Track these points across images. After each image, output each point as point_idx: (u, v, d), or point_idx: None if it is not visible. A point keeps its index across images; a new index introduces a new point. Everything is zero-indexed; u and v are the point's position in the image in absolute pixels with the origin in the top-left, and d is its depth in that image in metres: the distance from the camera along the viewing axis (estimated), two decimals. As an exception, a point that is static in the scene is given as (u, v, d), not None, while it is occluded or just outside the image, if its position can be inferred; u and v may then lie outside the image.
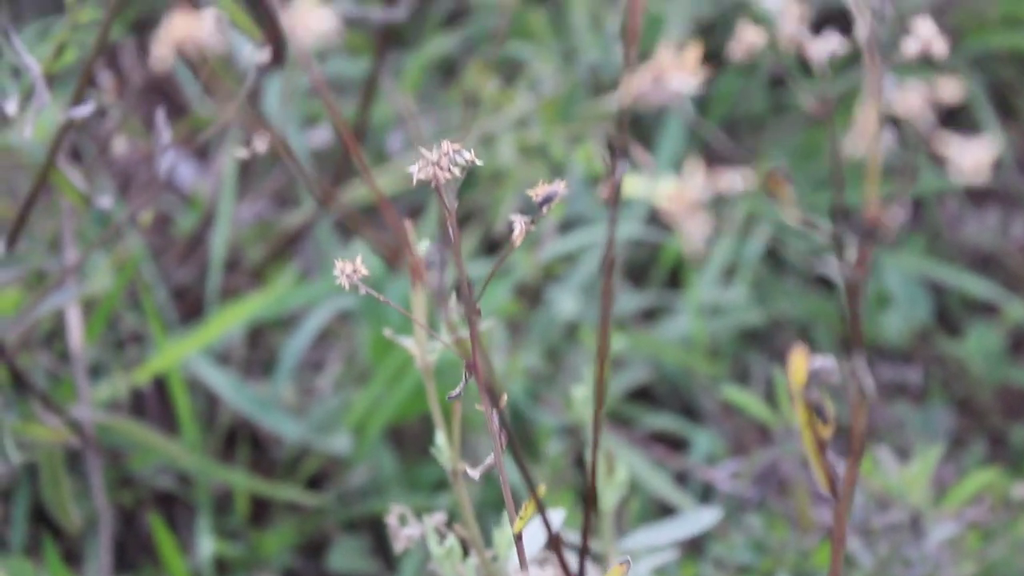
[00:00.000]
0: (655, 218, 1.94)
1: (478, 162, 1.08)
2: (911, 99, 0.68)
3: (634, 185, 1.80)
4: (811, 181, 1.98)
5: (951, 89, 0.69)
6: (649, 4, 1.95)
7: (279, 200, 1.98)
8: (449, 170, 1.07)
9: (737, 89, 2.06)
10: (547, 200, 1.07)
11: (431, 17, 2.06)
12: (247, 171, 1.99)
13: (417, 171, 1.09)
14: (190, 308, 1.89)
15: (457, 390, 1.09)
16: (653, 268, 1.98)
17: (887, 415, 1.93)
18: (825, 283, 1.96)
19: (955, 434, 1.95)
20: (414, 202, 1.98)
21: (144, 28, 2.03)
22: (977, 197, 2.12)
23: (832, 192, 0.79)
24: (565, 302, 1.83)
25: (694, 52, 0.79)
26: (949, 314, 2.05)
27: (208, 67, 1.60)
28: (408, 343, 1.27)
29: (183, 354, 1.73)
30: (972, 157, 0.67)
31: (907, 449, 1.89)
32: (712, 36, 2.04)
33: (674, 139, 2.00)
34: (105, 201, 1.52)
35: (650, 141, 2.02)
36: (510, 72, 1.98)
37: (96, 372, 1.79)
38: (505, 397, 1.02)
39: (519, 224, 1.07)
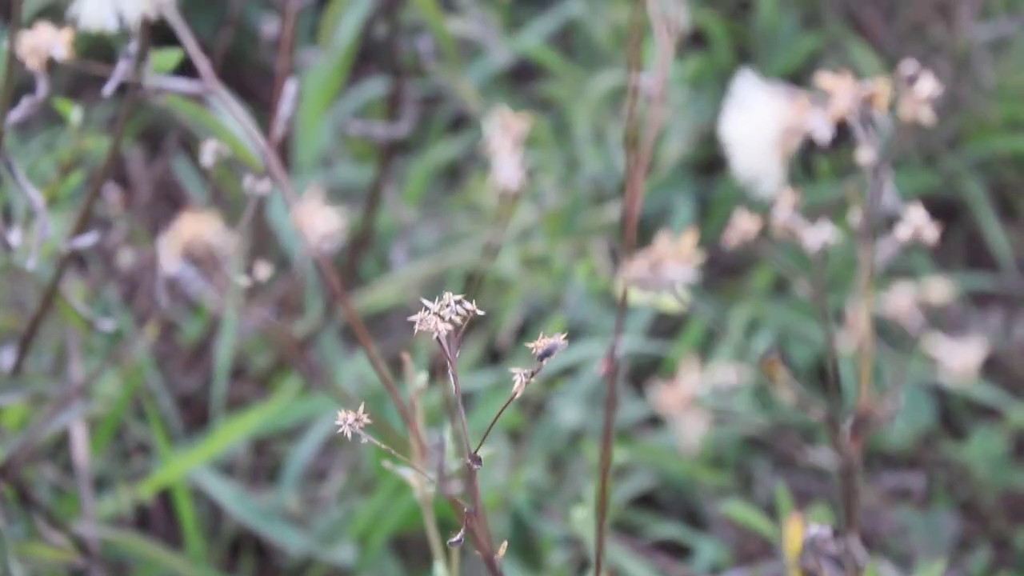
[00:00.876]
0: (658, 326, 1.95)
1: (479, 312, 1.09)
2: (900, 301, 0.69)
3: (636, 293, 1.81)
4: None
5: (939, 291, 0.70)
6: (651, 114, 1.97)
7: (285, 307, 1.99)
8: (450, 320, 1.08)
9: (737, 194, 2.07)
10: (547, 354, 1.08)
11: (434, 123, 2.08)
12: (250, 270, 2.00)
13: (419, 323, 1.10)
14: (195, 416, 1.90)
15: (457, 537, 1.10)
16: (656, 374, 1.98)
17: (891, 521, 1.93)
18: (828, 385, 1.96)
19: (959, 539, 1.95)
20: (416, 304, 1.99)
21: (151, 136, 2.04)
22: (980, 299, 2.13)
23: (829, 379, 0.80)
24: (568, 412, 1.83)
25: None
26: (953, 417, 2.05)
27: (214, 174, 1.61)
28: (406, 473, 1.28)
29: (188, 467, 1.74)
30: (960, 359, 0.67)
31: (911, 555, 1.89)
32: (715, 144, 2.05)
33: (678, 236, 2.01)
34: (108, 324, 1.53)
35: (653, 237, 2.03)
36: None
37: (101, 483, 1.79)
38: (502, 552, 1.03)
39: (520, 377, 1.08)
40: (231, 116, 1.72)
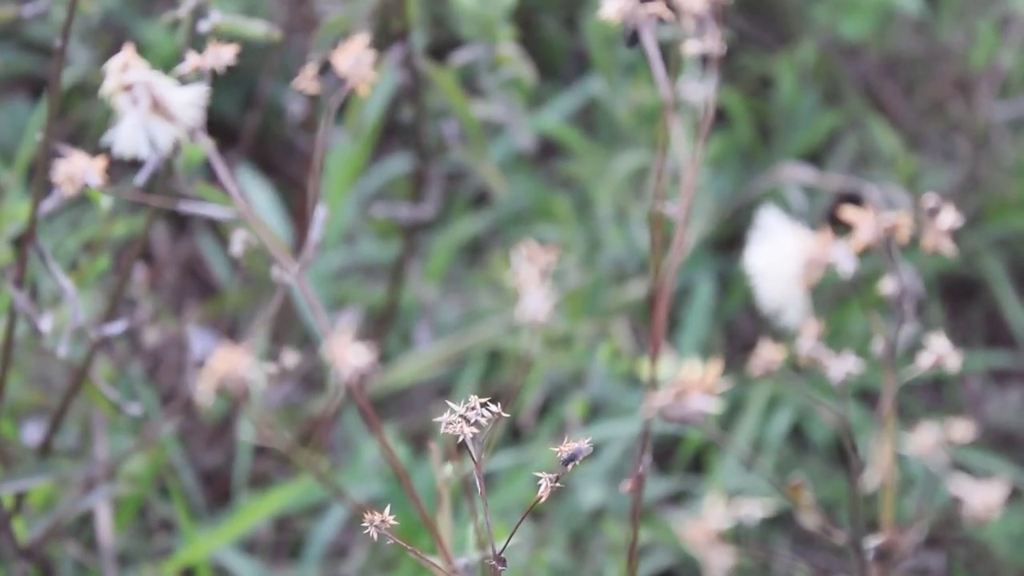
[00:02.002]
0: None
1: (504, 415, 1.10)
2: (924, 439, 0.70)
3: (659, 370, 1.81)
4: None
5: (962, 431, 0.71)
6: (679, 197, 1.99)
7: (307, 383, 2.01)
8: (476, 423, 1.09)
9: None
10: (571, 459, 1.09)
11: (457, 199, 2.09)
12: (274, 352, 2.01)
13: (444, 426, 1.11)
14: (219, 492, 1.91)
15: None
16: (677, 451, 1.99)
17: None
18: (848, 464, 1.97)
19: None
20: (440, 383, 2.01)
21: (177, 213, 2.06)
22: (999, 376, 2.13)
23: (850, 513, 0.81)
24: (589, 491, 1.84)
25: (715, 370, 0.81)
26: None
27: (242, 261, 1.62)
28: (433, 561, 1.29)
29: (211, 546, 1.75)
30: (982, 499, 0.69)
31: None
32: (736, 221, 2.07)
33: (698, 321, 2.02)
34: (135, 408, 1.55)
35: (674, 322, 2.04)
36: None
37: (124, 561, 1.80)
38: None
39: (545, 482, 1.09)
40: (259, 205, 1.74)
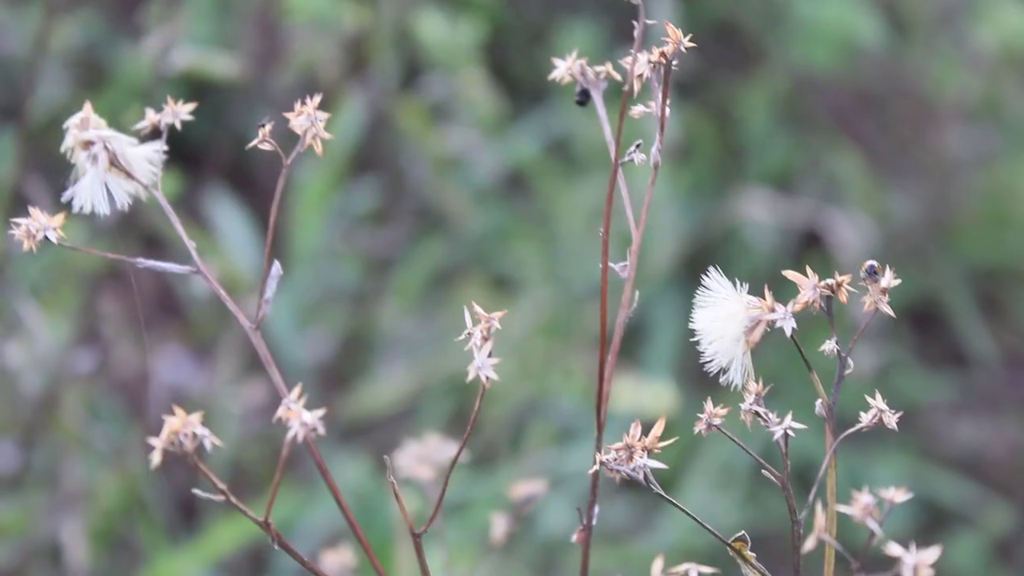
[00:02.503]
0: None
1: (462, 460, 1.12)
2: (861, 504, 0.72)
3: (623, 395, 1.82)
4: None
5: (899, 496, 0.73)
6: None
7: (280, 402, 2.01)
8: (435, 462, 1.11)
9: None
10: (528, 501, 1.11)
11: (427, 227, 2.11)
12: (248, 373, 2.03)
13: (402, 467, 1.13)
14: (190, 516, 1.92)
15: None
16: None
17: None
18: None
19: (944, 642, 1.97)
20: (408, 409, 2.02)
21: (153, 243, 2.07)
22: (965, 400, 2.16)
23: (794, 570, 0.83)
24: (554, 519, 1.86)
25: (660, 427, 0.83)
26: (937, 517, 2.07)
27: (209, 295, 1.63)
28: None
29: (181, 570, 1.76)
30: (917, 562, 0.71)
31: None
32: (706, 246, 2.09)
33: (664, 345, 2.04)
34: (102, 443, 1.56)
35: (644, 344, 2.06)
36: (503, 285, 2.02)
37: (95, 586, 1.81)
38: None
39: (500, 525, 1.11)
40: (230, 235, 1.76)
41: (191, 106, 0.91)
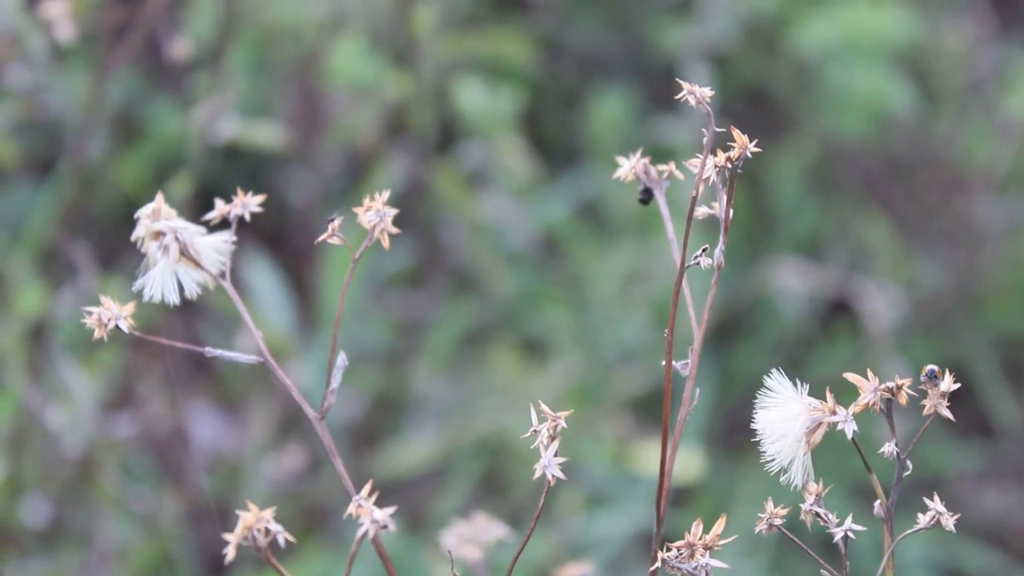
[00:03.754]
0: (673, 495, 1.98)
1: (509, 540, 1.13)
2: None
3: (651, 460, 1.84)
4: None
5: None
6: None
7: (311, 460, 2.03)
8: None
9: (754, 358, 2.12)
10: (574, 584, 1.12)
11: (460, 290, 2.12)
12: (279, 436, 2.04)
13: (451, 547, 1.14)
14: (218, 573, 1.93)
15: None
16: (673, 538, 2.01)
17: None
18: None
19: None
20: (438, 469, 2.03)
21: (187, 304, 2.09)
22: (992, 471, 2.16)
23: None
24: (587, 584, 1.86)
25: (720, 527, 0.84)
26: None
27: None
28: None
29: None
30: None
31: None
32: (736, 312, 2.10)
33: (697, 406, 2.05)
34: (139, 506, 1.58)
35: (673, 407, 2.07)
36: (533, 348, 2.04)
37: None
38: None
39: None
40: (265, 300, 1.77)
41: (260, 198, 0.92)
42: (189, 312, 2.10)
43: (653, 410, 2.04)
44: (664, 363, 0.87)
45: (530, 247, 2.01)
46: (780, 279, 2.06)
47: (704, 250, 0.83)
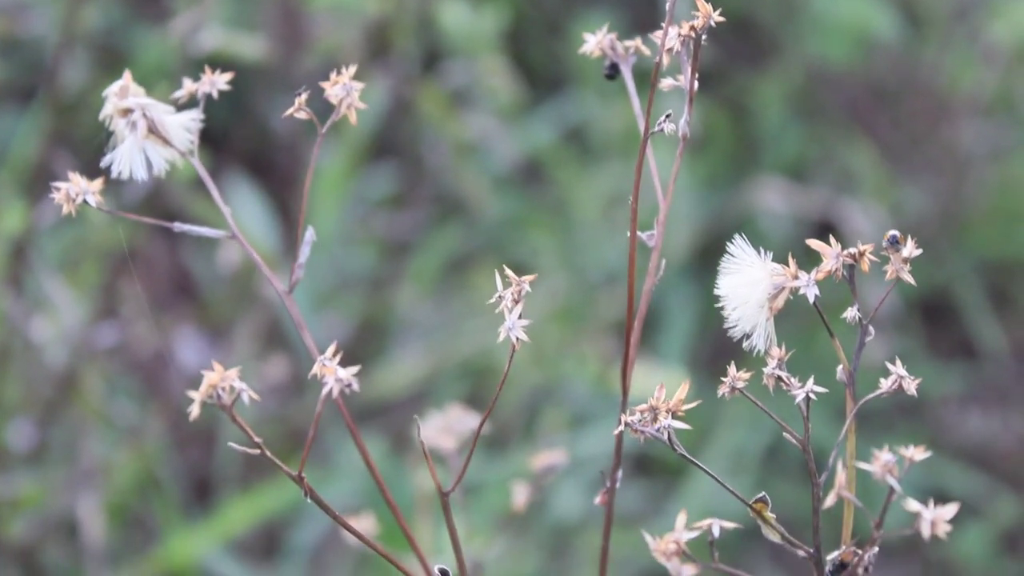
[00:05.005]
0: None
1: (482, 432, 1.13)
2: (882, 458, 0.74)
3: (636, 382, 1.84)
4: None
5: (918, 454, 0.75)
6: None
7: (295, 390, 2.04)
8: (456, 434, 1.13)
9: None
10: (548, 471, 1.13)
11: (444, 213, 2.13)
12: (262, 356, 2.04)
13: (425, 438, 1.14)
14: (205, 495, 1.94)
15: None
16: (658, 461, 2.03)
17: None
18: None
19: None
20: (423, 393, 2.04)
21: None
22: (976, 394, 2.17)
23: (812, 529, 0.85)
24: (569, 503, 1.88)
25: (683, 390, 0.85)
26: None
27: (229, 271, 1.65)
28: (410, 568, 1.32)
29: (195, 547, 1.78)
30: (936, 516, 0.73)
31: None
32: (720, 234, 2.10)
33: (680, 332, 2.06)
34: (123, 416, 1.58)
35: (660, 331, 2.08)
36: (518, 271, 2.04)
37: (110, 562, 1.83)
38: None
39: (521, 494, 1.13)
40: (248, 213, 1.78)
41: (228, 75, 0.92)
42: (172, 236, 2.10)
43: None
44: (644, 288, 0.87)
45: (514, 170, 2.02)
46: (764, 200, 2.06)
47: (667, 116, 0.83)
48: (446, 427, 1.16)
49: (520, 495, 1.14)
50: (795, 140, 2.18)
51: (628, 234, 0.89)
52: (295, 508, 1.92)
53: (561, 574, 1.88)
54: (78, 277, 1.70)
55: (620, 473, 0.92)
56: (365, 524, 1.18)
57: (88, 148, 2.06)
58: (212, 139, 2.02)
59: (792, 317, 1.97)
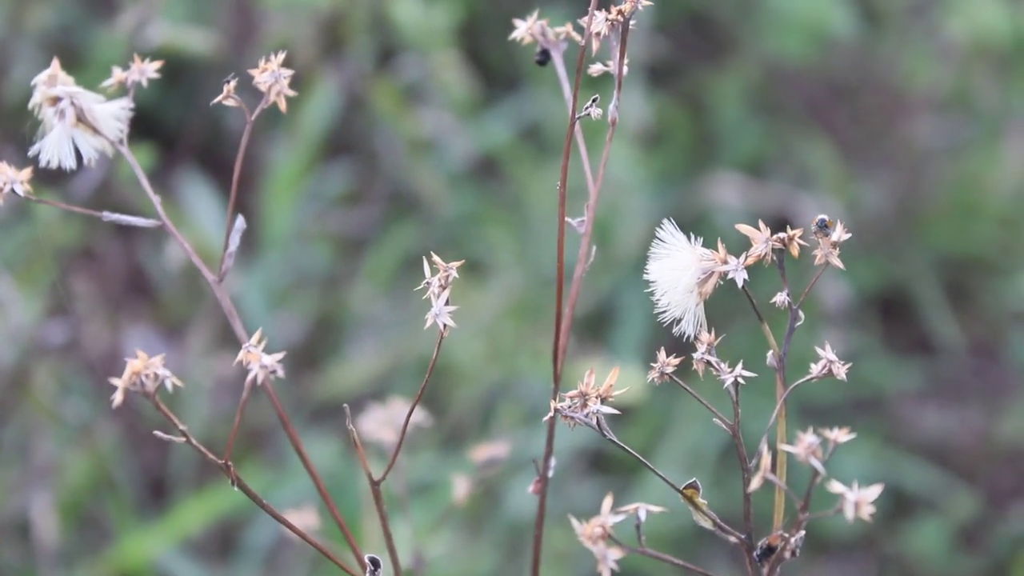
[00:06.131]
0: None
1: (436, 430, 1.13)
2: (805, 442, 0.74)
3: (596, 376, 1.84)
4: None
5: (842, 436, 0.74)
6: (611, 198, 2.02)
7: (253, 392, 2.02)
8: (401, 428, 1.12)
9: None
10: (490, 464, 1.13)
11: (400, 211, 2.12)
12: (218, 350, 2.04)
13: (367, 431, 1.14)
14: (160, 495, 1.93)
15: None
16: (615, 457, 2.02)
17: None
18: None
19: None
20: (379, 390, 2.03)
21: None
22: (932, 388, 2.18)
23: (744, 517, 0.85)
24: (524, 500, 1.87)
25: (614, 377, 0.84)
26: (902, 504, 2.09)
27: (180, 271, 1.64)
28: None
29: (150, 547, 1.77)
30: (858, 499, 0.73)
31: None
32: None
33: (636, 325, 2.06)
34: (72, 413, 1.57)
35: (612, 326, 2.07)
36: (474, 269, 2.04)
37: (65, 559, 1.82)
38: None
39: (462, 486, 1.13)
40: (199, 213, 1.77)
41: (157, 64, 0.92)
42: (127, 235, 2.09)
43: (593, 327, 2.04)
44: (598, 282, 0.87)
45: (470, 167, 2.01)
46: (720, 196, 2.06)
47: (594, 100, 0.83)
48: (388, 420, 1.15)
49: (461, 487, 1.13)
50: (752, 136, 2.18)
51: (581, 229, 0.89)
52: (250, 508, 1.91)
53: (517, 573, 1.87)
54: (29, 275, 1.69)
55: (553, 461, 0.92)
56: (307, 518, 1.18)
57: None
58: (165, 135, 2.01)
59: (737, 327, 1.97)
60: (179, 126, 2.10)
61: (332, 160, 2.03)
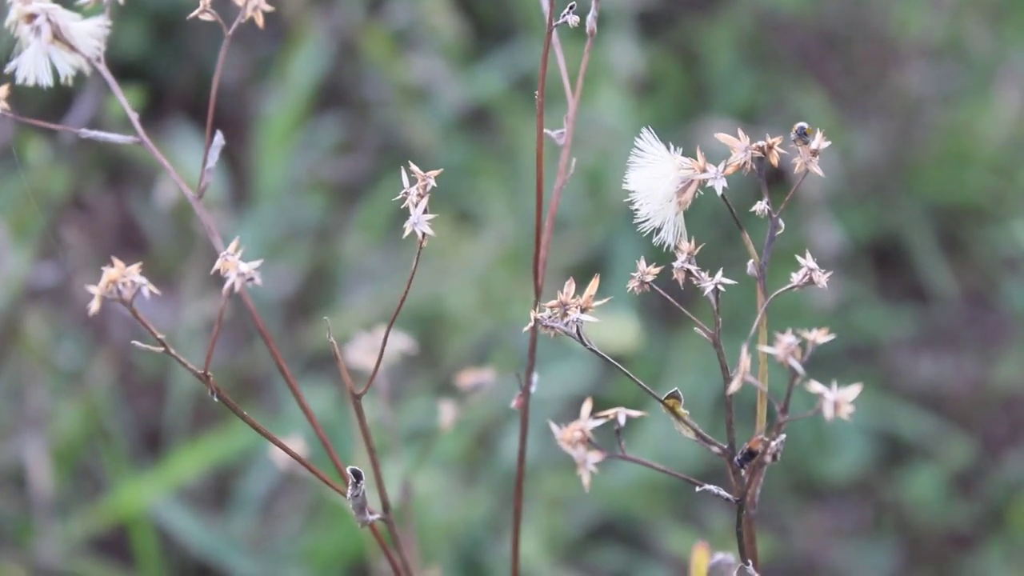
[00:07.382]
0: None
1: (430, 379, 1.13)
2: (783, 344, 0.74)
3: (592, 327, 1.84)
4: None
5: (820, 337, 0.74)
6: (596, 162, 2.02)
7: (246, 335, 2.03)
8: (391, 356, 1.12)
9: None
10: (475, 388, 1.13)
11: (392, 159, 2.12)
12: (211, 295, 2.03)
13: (353, 360, 1.14)
14: (154, 445, 1.94)
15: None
16: (612, 403, 2.02)
17: (834, 556, 1.97)
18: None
19: (901, 573, 1.99)
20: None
21: (117, 175, 2.08)
22: (926, 336, 2.17)
23: (726, 426, 0.85)
24: (517, 446, 1.87)
25: (593, 288, 0.84)
26: (897, 451, 2.09)
27: (172, 213, 1.64)
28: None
29: (146, 495, 1.77)
30: (837, 398, 0.72)
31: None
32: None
33: (624, 284, 2.05)
34: (65, 360, 1.57)
35: (607, 276, 2.07)
36: (467, 218, 2.03)
37: (60, 508, 1.83)
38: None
39: (447, 412, 1.13)
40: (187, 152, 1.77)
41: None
42: (120, 185, 2.09)
43: (586, 276, 2.04)
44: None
45: (463, 117, 2.01)
46: (713, 143, 2.06)
47: (571, 7, 0.83)
48: (373, 348, 1.16)
49: (447, 413, 1.13)
50: (745, 86, 2.17)
51: (560, 141, 0.89)
52: (246, 458, 1.91)
53: (512, 519, 1.87)
54: (19, 223, 1.69)
55: (536, 377, 0.92)
56: (294, 446, 1.18)
57: (37, 111, 2.04)
58: (155, 88, 2.01)
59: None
60: (167, 79, 2.10)
61: (324, 111, 2.03)
